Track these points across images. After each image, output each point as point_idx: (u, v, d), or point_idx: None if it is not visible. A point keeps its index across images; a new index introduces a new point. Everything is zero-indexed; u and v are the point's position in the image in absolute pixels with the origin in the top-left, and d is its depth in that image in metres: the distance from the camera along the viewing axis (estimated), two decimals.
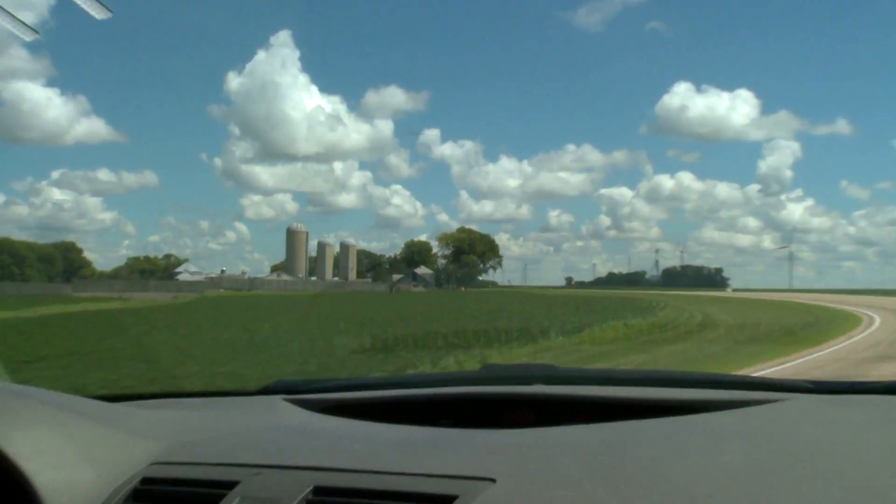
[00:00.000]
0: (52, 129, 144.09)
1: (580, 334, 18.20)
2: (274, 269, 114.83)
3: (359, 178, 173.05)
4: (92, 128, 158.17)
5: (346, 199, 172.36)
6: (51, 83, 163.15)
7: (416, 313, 28.08)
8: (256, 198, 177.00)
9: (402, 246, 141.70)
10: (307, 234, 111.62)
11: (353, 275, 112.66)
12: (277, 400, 1.73)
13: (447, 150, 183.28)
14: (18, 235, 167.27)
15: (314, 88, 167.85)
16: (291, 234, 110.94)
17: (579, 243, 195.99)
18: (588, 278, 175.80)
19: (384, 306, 35.83)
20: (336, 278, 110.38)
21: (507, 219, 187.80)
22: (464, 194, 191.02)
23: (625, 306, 34.86)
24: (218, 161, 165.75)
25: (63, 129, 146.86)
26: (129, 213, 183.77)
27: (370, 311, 29.87)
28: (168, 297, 69.88)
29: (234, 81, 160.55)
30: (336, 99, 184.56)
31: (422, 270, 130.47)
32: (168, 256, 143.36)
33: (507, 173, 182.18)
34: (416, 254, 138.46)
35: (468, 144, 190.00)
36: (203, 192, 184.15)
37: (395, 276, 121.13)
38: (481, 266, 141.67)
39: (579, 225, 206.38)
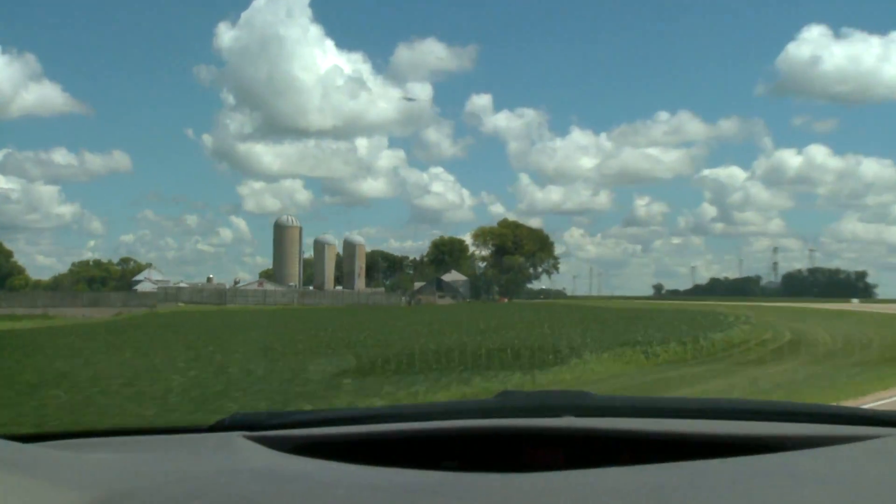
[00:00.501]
0: None
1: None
2: (263, 275, 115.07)
3: (388, 158, 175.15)
4: (44, 95, 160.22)
5: (373, 187, 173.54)
6: None
7: (398, 338, 27.47)
8: (258, 185, 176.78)
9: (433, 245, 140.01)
10: (301, 229, 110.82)
11: (360, 282, 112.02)
12: (236, 437, 1.76)
13: (502, 121, 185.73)
14: None
15: (330, 43, 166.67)
16: (280, 231, 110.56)
17: (675, 240, 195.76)
18: (685, 285, 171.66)
19: (373, 327, 34.98)
20: (339, 287, 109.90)
21: (579, 209, 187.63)
22: (524, 178, 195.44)
23: (692, 324, 34.93)
24: (207, 138, 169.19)
25: (6, 98, 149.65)
26: (95, 205, 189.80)
27: (346, 335, 29.13)
28: (110, 312, 70.75)
29: (225, 35, 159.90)
30: (358, 57, 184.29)
31: (452, 276, 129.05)
32: (126, 261, 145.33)
33: (581, 150, 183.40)
34: (446, 254, 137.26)
35: (529, 114, 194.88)
36: (189, 179, 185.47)
37: (418, 285, 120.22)
38: (531, 270, 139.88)
39: (675, 217, 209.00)
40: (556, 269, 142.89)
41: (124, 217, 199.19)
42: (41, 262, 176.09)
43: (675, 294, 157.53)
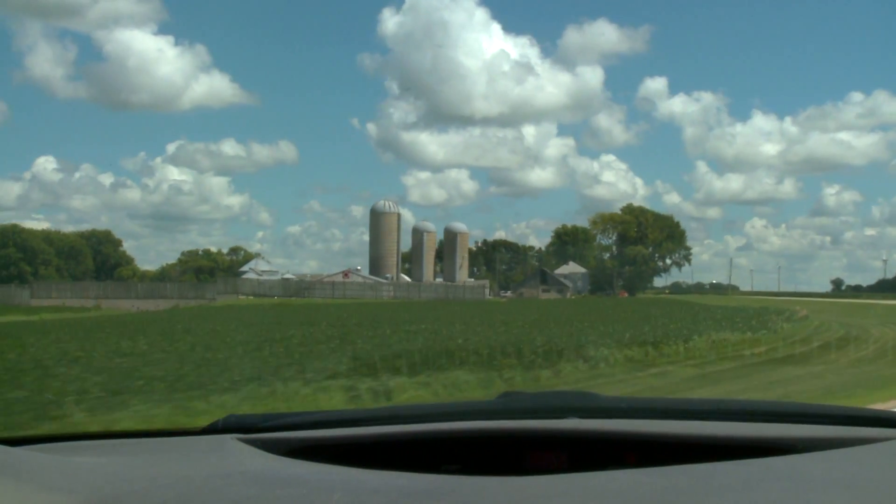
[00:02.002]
0: (165, 90, 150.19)
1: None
2: (376, 266, 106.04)
3: (557, 146, 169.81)
4: (214, 87, 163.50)
5: (541, 176, 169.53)
6: (162, 30, 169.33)
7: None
8: (423, 175, 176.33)
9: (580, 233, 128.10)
10: (399, 215, 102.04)
11: (462, 273, 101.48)
12: (229, 440, 1.75)
13: (677, 105, 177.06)
14: (129, 225, 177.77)
15: (496, 27, 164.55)
16: (376, 217, 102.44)
17: (869, 231, 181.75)
18: (873, 280, 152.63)
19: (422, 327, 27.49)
20: (439, 279, 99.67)
21: (762, 199, 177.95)
22: (701, 166, 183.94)
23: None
24: (372, 127, 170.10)
25: (178, 90, 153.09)
26: (263, 196, 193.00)
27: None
28: (166, 304, 68.09)
29: (390, 21, 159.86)
30: (525, 41, 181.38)
31: (570, 269, 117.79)
32: (236, 251, 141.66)
33: (763, 136, 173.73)
34: (569, 244, 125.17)
35: (707, 98, 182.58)
36: (355, 169, 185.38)
37: (536, 277, 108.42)
38: (661, 263, 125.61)
39: (868, 206, 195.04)
40: (688, 261, 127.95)
41: (290, 208, 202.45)
42: (128, 252, 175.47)
43: (857, 290, 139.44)
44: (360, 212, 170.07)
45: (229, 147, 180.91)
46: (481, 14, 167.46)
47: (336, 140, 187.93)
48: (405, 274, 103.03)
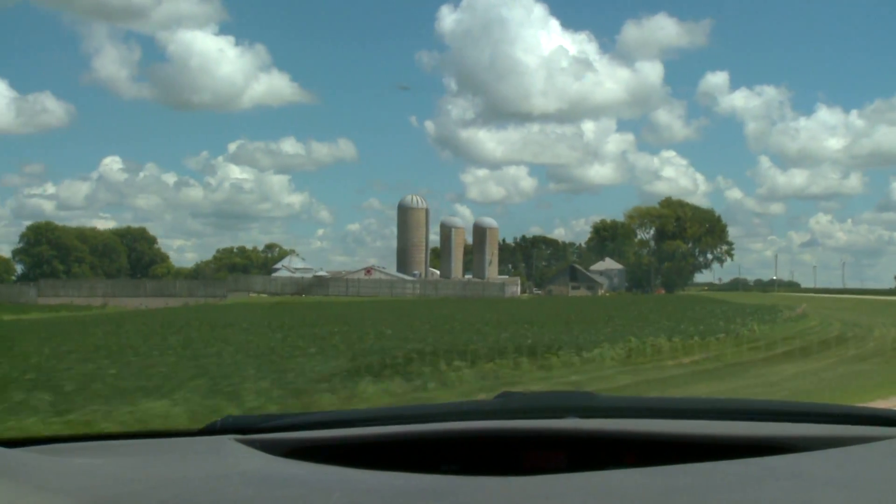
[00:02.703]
0: (226, 90, 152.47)
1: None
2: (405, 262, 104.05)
3: (616, 142, 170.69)
4: (274, 86, 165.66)
5: (600, 173, 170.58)
6: (223, 30, 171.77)
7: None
8: (481, 172, 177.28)
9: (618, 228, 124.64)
10: (427, 210, 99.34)
11: (492, 270, 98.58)
12: (228, 441, 1.76)
13: (739, 100, 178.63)
14: (192, 224, 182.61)
15: (554, 23, 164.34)
16: (404, 212, 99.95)
17: None
18: None
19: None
20: (468, 276, 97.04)
21: (826, 194, 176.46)
22: (764, 161, 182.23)
23: None
24: (430, 125, 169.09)
25: (239, 89, 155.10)
26: (323, 194, 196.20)
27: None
28: (176, 302, 67.56)
29: (448, 19, 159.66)
30: (583, 37, 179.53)
31: (605, 265, 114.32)
32: (271, 248, 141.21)
33: (828, 130, 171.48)
34: (608, 240, 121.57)
35: (769, 92, 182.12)
36: (413, 167, 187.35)
37: (565, 274, 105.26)
38: (701, 258, 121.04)
39: None
40: (730, 256, 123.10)
41: (350, 206, 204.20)
42: (162, 249, 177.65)
43: None
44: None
45: (289, 145, 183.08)
46: (539, 10, 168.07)
47: (395, 138, 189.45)
48: (436, 270, 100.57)
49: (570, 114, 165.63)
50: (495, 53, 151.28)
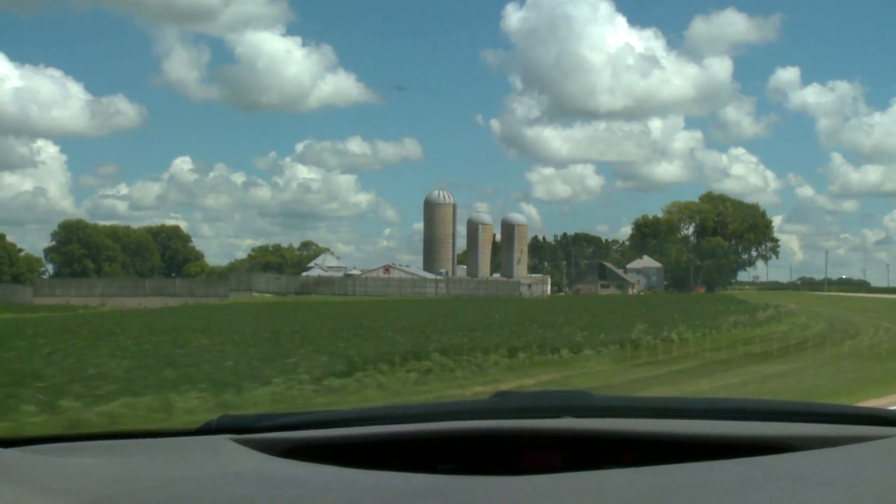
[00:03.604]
0: (293, 90, 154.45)
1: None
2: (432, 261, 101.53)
3: (684, 139, 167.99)
4: (340, 86, 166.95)
5: (668, 171, 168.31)
6: (290, 31, 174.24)
7: None
8: (547, 171, 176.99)
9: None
10: (455, 206, 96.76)
11: (521, 268, 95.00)
12: (223, 441, 1.76)
13: (811, 96, 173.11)
14: (260, 223, 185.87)
15: (620, 20, 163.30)
16: (430, 209, 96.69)
17: None
18: None
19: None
20: (497, 275, 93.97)
21: None
22: (836, 158, 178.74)
23: None
24: (496, 123, 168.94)
25: (306, 89, 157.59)
26: (389, 194, 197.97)
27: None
28: (176, 302, 65.55)
29: (513, 17, 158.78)
30: (650, 33, 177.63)
31: (643, 263, 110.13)
32: (307, 245, 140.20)
33: None
34: (649, 237, 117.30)
35: (842, 87, 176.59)
36: (479, 166, 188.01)
37: (593, 272, 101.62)
38: (745, 256, 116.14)
39: None
40: (775, 253, 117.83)
41: (415, 205, 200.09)
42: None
43: None
44: (484, 208, 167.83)
45: (355, 145, 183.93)
46: (605, 7, 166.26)
47: (460, 136, 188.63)
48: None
49: (637, 111, 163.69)
50: (561, 51, 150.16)
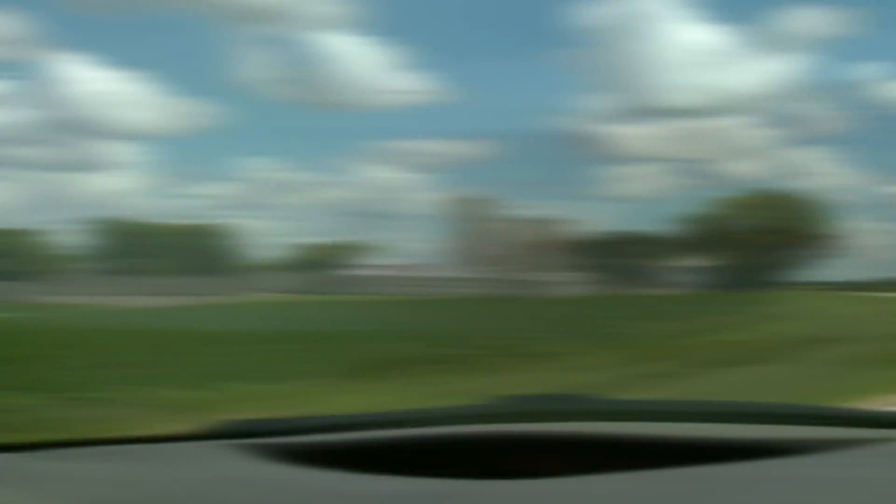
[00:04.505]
0: (368, 90, 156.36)
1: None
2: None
3: (763, 138, 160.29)
4: (414, 85, 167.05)
5: (745, 170, 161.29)
6: (364, 31, 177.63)
7: None
8: (620, 170, 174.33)
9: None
10: (495, 204, 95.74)
11: (556, 268, 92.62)
12: (223, 446, 1.76)
13: None
14: (335, 223, 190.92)
15: (693, 13, 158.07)
16: (464, 206, 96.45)
17: None
18: None
19: None
20: (535, 275, 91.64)
21: None
22: None
23: None
24: (565, 121, 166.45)
25: (381, 89, 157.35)
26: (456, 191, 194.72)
27: None
28: (180, 301, 62.24)
29: (583, 15, 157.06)
30: (726, 28, 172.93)
31: (694, 261, 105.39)
32: (350, 245, 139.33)
33: None
34: (705, 234, 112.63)
35: None
36: (549, 165, 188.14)
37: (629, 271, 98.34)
38: (803, 253, 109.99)
39: None
40: (837, 251, 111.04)
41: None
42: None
43: None
44: (543, 206, 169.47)
45: (431, 145, 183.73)
46: (680, 1, 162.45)
47: (529, 136, 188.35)
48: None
49: (714, 109, 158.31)
50: (632, 46, 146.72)
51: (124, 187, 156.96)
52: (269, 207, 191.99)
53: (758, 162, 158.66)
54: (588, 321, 26.28)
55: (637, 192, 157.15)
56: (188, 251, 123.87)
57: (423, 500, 1.32)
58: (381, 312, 38.96)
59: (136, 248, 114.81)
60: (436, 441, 1.69)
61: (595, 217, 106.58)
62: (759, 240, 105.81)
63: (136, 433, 3.76)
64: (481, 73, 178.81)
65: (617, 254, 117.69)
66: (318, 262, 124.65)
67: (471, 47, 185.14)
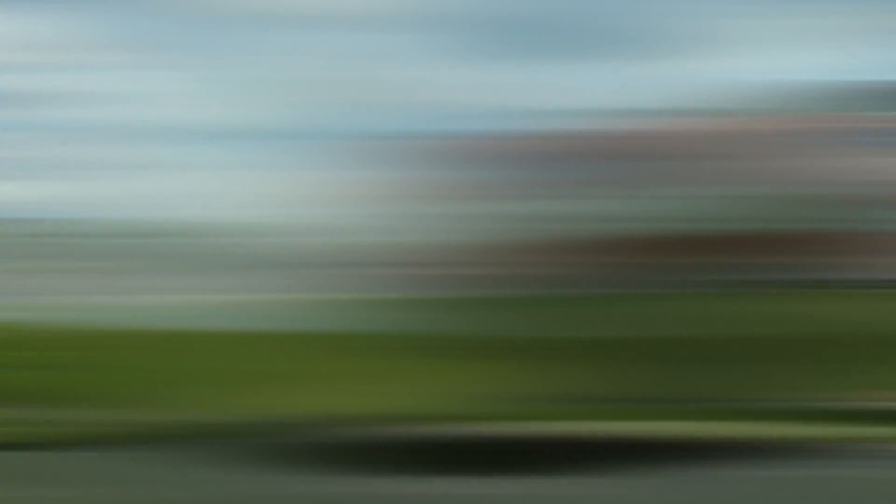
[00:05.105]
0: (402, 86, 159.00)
1: None
2: None
3: (777, 135, 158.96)
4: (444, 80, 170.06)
5: (762, 168, 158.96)
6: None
7: None
8: (640, 168, 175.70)
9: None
10: (504, 199, 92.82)
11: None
12: (222, 447, 1.85)
13: None
14: None
15: (699, 9, 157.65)
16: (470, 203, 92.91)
17: None
18: None
19: None
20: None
21: None
22: None
23: None
24: (583, 119, 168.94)
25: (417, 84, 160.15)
26: None
27: None
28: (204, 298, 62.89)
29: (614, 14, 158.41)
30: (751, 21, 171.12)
31: (704, 259, 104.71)
32: None
33: None
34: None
35: None
36: (565, 163, 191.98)
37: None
38: (810, 252, 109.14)
39: None
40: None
41: None
42: None
43: None
44: None
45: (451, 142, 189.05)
46: None
47: (553, 132, 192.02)
48: None
49: (734, 106, 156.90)
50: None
51: (186, 189, 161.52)
52: (308, 207, 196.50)
53: (776, 161, 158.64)
54: (590, 320, 26.32)
55: (653, 190, 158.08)
56: (218, 248, 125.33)
57: (424, 500, 1.28)
58: (386, 311, 39.69)
59: (160, 246, 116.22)
60: (439, 441, 1.69)
61: (610, 215, 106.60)
62: (768, 239, 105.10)
63: (145, 434, 3.95)
64: (509, 73, 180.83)
65: (626, 253, 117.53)
66: (337, 260, 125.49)
67: (501, 48, 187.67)
